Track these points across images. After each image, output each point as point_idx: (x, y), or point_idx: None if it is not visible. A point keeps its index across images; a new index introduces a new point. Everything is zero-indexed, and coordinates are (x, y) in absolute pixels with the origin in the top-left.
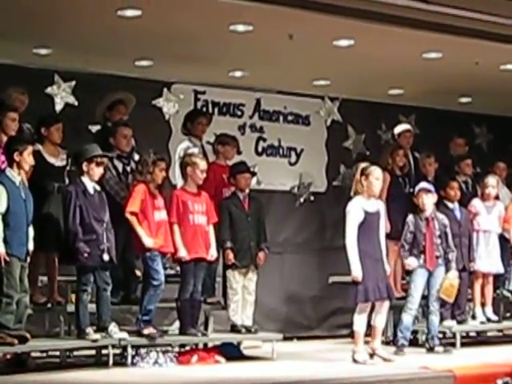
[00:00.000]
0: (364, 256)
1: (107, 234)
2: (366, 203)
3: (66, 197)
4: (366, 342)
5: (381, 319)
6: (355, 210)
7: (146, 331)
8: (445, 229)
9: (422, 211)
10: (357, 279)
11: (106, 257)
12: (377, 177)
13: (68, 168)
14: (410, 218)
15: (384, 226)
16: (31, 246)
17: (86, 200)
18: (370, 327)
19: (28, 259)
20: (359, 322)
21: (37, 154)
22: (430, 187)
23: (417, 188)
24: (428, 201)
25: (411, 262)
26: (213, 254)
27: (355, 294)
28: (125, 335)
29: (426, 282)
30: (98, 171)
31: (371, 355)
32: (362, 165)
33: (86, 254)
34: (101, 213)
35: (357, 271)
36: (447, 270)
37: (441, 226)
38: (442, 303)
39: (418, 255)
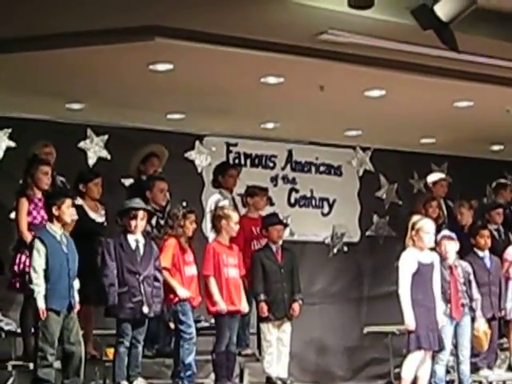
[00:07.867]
0: (416, 305)
1: (144, 287)
2: (419, 254)
3: (100, 248)
4: None
5: (426, 369)
6: (408, 261)
7: None
8: (469, 276)
9: (445, 259)
10: (410, 328)
11: (145, 309)
12: (427, 231)
13: (105, 224)
14: None
15: (439, 278)
16: (77, 299)
17: (122, 252)
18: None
19: (74, 312)
20: (408, 368)
21: (79, 209)
22: (452, 235)
23: (439, 236)
24: (450, 248)
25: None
26: (245, 306)
27: (408, 343)
28: None
29: (453, 331)
30: (133, 223)
31: None
32: (413, 219)
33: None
34: (138, 266)
35: (410, 319)
36: (472, 319)
37: (465, 273)
38: (477, 353)
39: (445, 304)
